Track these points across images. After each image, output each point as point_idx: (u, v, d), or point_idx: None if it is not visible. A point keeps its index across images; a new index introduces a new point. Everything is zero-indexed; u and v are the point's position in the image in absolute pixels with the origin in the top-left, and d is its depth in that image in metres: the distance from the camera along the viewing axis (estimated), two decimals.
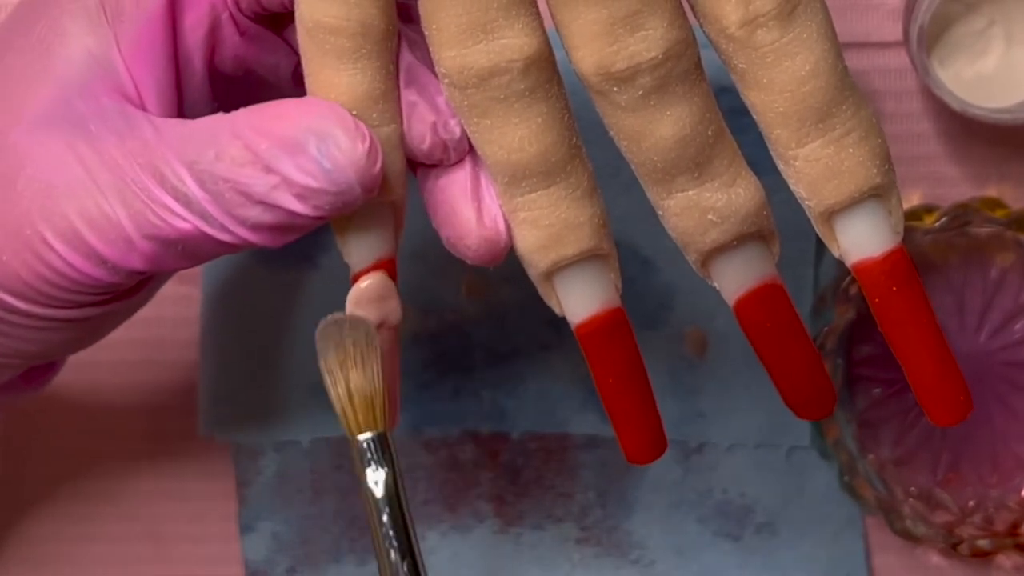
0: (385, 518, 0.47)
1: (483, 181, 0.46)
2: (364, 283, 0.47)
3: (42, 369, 0.55)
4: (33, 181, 0.46)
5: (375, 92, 0.45)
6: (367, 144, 0.44)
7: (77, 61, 0.47)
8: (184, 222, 0.45)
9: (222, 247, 0.46)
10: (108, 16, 0.47)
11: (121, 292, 0.48)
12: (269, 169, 0.44)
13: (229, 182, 0.44)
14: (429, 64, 0.46)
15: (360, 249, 0.47)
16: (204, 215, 0.45)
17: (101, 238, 0.45)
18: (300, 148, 0.44)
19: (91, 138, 0.45)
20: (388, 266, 0.47)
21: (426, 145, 0.46)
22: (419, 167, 0.47)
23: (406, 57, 0.46)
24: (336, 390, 0.46)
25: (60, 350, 0.51)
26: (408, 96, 0.46)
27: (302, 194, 0.44)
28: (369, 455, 0.47)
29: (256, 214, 0.45)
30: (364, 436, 0.47)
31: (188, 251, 0.46)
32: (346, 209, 0.45)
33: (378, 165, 0.44)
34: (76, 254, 0.46)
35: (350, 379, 0.46)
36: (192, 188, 0.44)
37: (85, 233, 0.45)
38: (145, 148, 0.45)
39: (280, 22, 0.49)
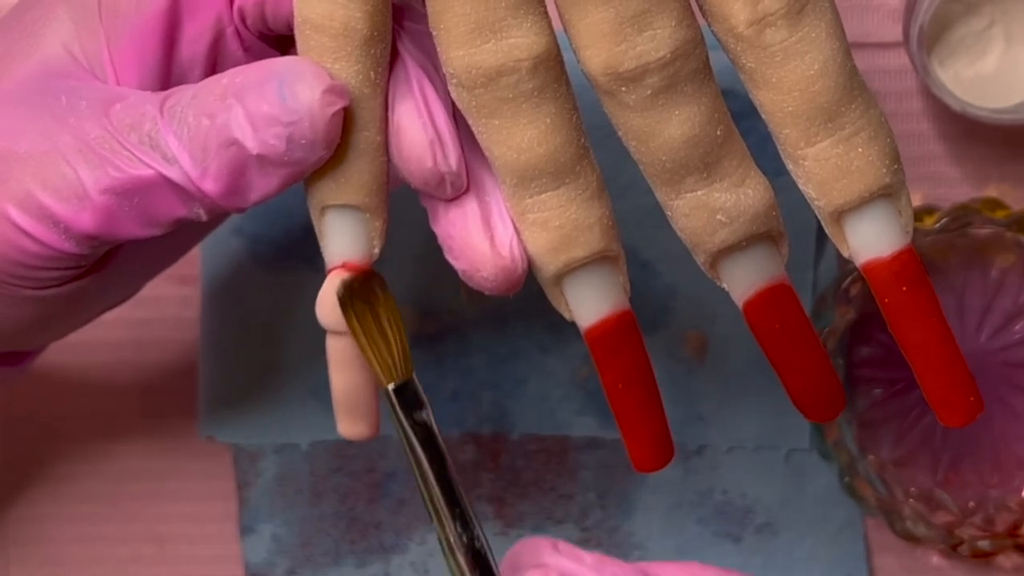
0: (443, 457, 0.47)
1: (494, 210, 0.46)
2: (324, 287, 0.47)
3: (12, 356, 0.54)
4: None
5: (352, 96, 0.45)
6: (329, 84, 0.44)
7: (62, 49, 0.47)
8: (144, 168, 0.45)
9: (175, 202, 0.45)
10: (103, 13, 0.47)
11: (82, 271, 0.48)
12: (238, 100, 0.44)
13: (201, 114, 0.44)
14: (433, 74, 0.46)
15: (330, 246, 0.47)
16: (166, 155, 0.45)
17: (54, 196, 0.45)
18: (269, 80, 0.44)
19: (60, 108, 0.46)
20: (355, 269, 0.47)
21: (425, 171, 0.46)
22: (426, 200, 0.47)
23: (416, 71, 0.46)
24: (377, 341, 0.47)
25: (25, 336, 0.51)
26: (409, 110, 0.46)
27: (255, 121, 0.44)
28: (418, 396, 0.47)
29: (214, 147, 0.44)
30: (399, 380, 0.47)
31: (142, 208, 0.45)
32: (293, 153, 0.44)
33: (334, 108, 0.44)
34: (29, 217, 0.46)
35: (388, 328, 0.47)
36: (162, 129, 0.45)
37: (38, 193, 0.45)
38: (125, 106, 0.45)
39: (285, 45, 0.49)
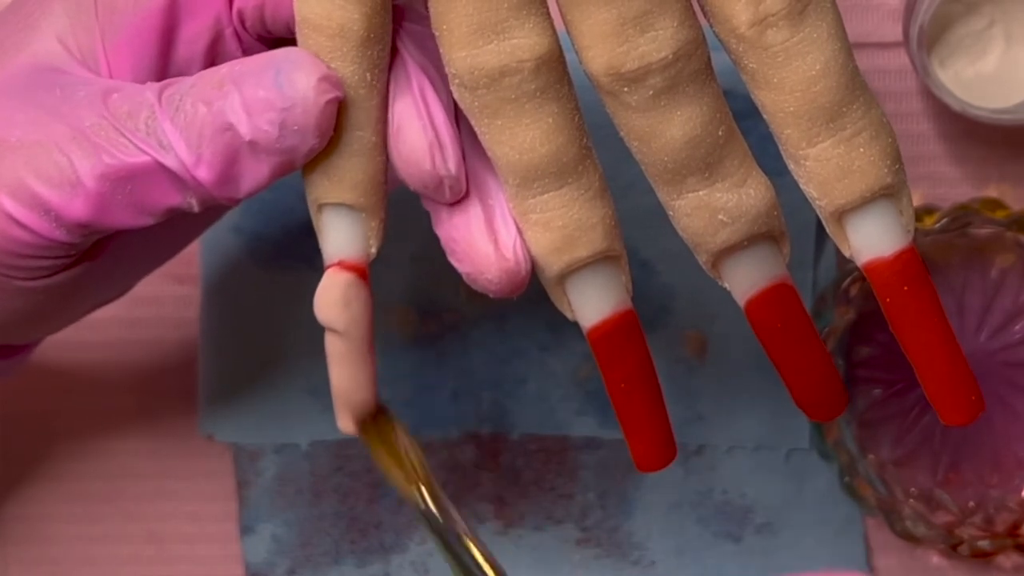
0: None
1: (497, 213, 0.46)
2: (321, 284, 0.47)
3: (5, 349, 0.54)
4: None
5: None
6: (325, 74, 0.44)
7: (57, 44, 0.47)
8: (139, 154, 0.45)
9: (168, 189, 0.45)
10: (99, 9, 0.47)
11: (74, 259, 0.48)
12: (236, 87, 0.44)
13: (197, 100, 0.44)
14: (434, 75, 0.46)
15: (326, 245, 0.47)
16: (161, 142, 0.45)
17: (46, 183, 0.45)
18: (266, 68, 0.44)
19: (54, 97, 0.46)
20: (351, 268, 0.47)
21: (424, 174, 0.46)
22: (428, 203, 0.47)
23: (417, 73, 0.46)
24: (407, 476, 0.48)
25: (18, 327, 0.51)
26: (409, 112, 0.46)
27: (250, 107, 0.44)
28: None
29: (209, 133, 0.44)
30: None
31: (134, 197, 0.46)
32: (286, 141, 0.44)
33: (327, 96, 0.44)
34: (20, 205, 0.46)
35: (415, 461, 0.48)
36: (159, 116, 0.45)
37: (31, 181, 0.45)
38: (123, 96, 0.45)
39: (285, 46, 0.49)
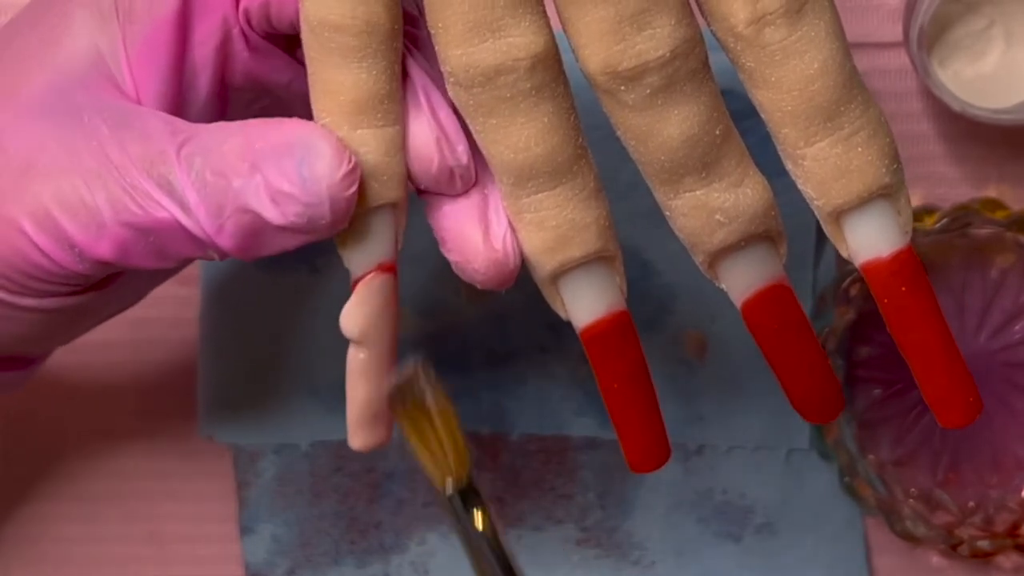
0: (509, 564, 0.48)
1: (491, 205, 0.46)
2: (367, 286, 0.47)
3: (18, 361, 0.54)
4: (12, 161, 0.46)
5: (380, 91, 0.45)
6: (349, 165, 0.44)
7: (81, 54, 0.47)
8: (162, 211, 0.45)
9: (190, 246, 0.45)
10: (120, 16, 0.47)
11: (88, 286, 0.48)
12: (255, 168, 0.44)
13: (218, 174, 0.44)
14: (435, 73, 0.46)
15: (360, 253, 0.46)
16: (184, 205, 0.44)
17: (73, 220, 0.45)
18: (288, 153, 0.44)
19: (82, 126, 0.45)
20: (389, 269, 0.47)
21: (434, 168, 0.46)
22: (424, 194, 0.47)
23: (416, 71, 0.46)
24: (430, 446, 0.47)
25: (29, 342, 0.51)
26: (414, 111, 0.46)
27: (275, 198, 0.44)
28: (475, 497, 0.47)
29: (230, 210, 0.44)
30: (460, 483, 0.47)
31: (157, 246, 0.45)
32: (313, 230, 0.44)
33: (351, 190, 0.44)
34: (45, 236, 0.45)
35: (441, 431, 0.47)
36: (180, 176, 0.44)
37: (57, 214, 0.45)
38: (142, 136, 0.45)
39: (292, 43, 0.49)
